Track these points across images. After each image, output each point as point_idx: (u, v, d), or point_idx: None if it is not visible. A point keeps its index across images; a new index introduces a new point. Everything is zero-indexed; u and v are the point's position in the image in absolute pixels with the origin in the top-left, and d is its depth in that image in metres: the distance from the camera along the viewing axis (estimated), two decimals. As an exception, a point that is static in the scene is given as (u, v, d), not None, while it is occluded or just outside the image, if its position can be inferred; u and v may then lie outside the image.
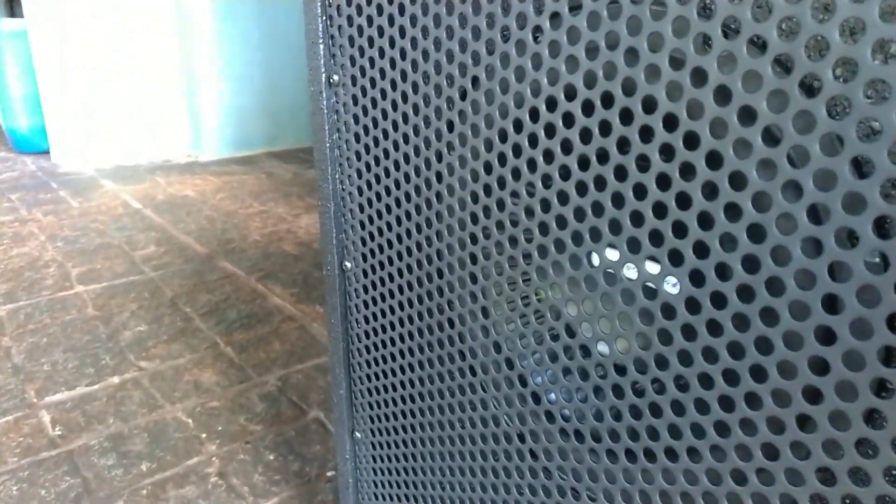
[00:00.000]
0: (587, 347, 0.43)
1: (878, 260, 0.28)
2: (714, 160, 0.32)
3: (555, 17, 0.38)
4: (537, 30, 0.40)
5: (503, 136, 0.44)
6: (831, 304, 0.30)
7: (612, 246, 0.39)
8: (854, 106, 0.27)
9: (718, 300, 0.34)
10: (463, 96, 0.46)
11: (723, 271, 0.34)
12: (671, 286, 0.37)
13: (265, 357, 1.36)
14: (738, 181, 0.32)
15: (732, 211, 0.32)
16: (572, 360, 0.44)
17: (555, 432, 0.47)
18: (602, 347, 0.43)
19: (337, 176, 0.61)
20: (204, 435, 1.11)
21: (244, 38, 3.15)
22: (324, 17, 0.56)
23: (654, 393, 0.40)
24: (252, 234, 2.13)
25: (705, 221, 0.34)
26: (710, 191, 0.33)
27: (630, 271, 0.39)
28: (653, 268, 0.38)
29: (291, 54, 3.32)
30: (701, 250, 0.34)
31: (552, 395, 0.47)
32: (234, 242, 2.04)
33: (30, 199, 2.47)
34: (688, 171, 0.34)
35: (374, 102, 0.54)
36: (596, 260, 0.41)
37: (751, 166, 0.31)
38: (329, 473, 1.03)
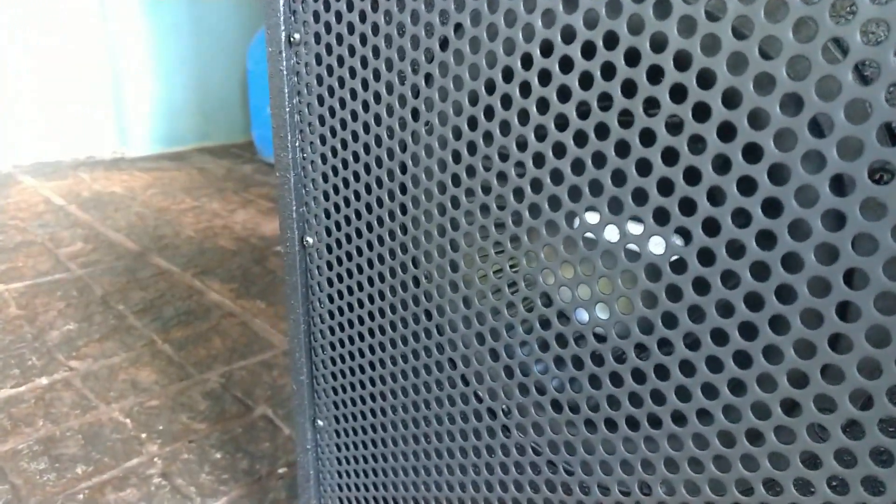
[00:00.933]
0: (566, 315, 0.41)
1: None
2: (702, 112, 0.30)
3: (551, -48, 0.36)
4: (530, -32, 0.37)
5: (473, 99, 0.41)
6: (829, 254, 0.28)
7: (592, 209, 0.37)
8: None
9: (706, 257, 0.32)
10: (444, 46, 0.43)
11: (712, 227, 0.32)
12: (656, 246, 0.35)
13: (206, 354, 1.30)
14: (728, 134, 0.30)
15: (723, 167, 0.30)
16: (550, 329, 0.42)
17: (530, 405, 0.44)
18: (581, 315, 0.40)
19: (297, 143, 0.57)
20: (144, 435, 1.05)
21: (173, 29, 3.04)
22: (283, -29, 0.52)
23: (637, 359, 0.37)
24: (186, 229, 2.04)
25: (692, 177, 0.32)
26: (698, 144, 0.31)
27: (612, 233, 0.37)
28: (636, 229, 0.35)
29: (223, 46, 3.21)
30: (688, 208, 0.32)
31: (532, 368, 0.45)
32: (167, 238, 1.95)
33: (-59, 197, 2.32)
34: (676, 126, 0.31)
35: (340, 60, 0.50)
36: (576, 223, 0.38)
37: (741, 117, 0.29)
38: (280, 470, 0.98)
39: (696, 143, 0.32)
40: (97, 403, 1.13)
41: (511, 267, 0.44)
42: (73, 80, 2.95)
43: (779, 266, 0.31)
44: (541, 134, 0.39)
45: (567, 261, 0.40)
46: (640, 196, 0.35)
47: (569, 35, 0.36)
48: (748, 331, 0.33)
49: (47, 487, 0.93)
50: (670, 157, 0.33)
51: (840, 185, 0.28)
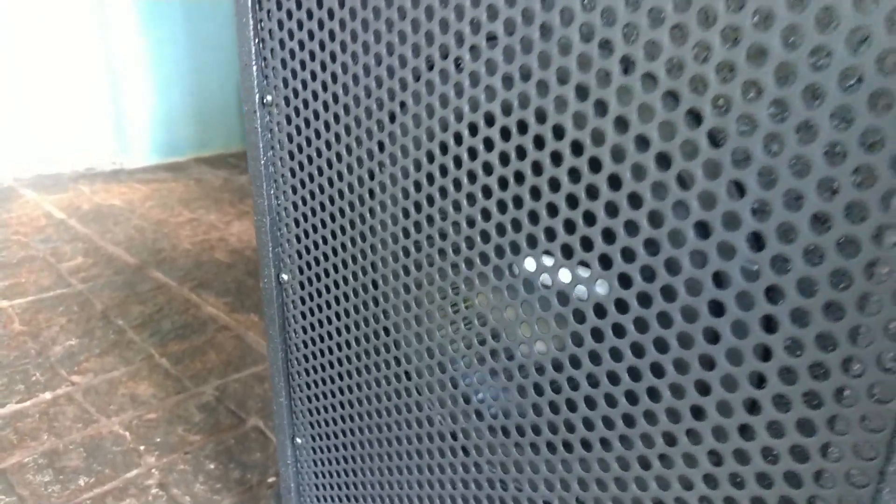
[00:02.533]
0: (510, 350, 0.47)
1: (755, 268, 0.33)
2: (614, 182, 0.36)
3: (473, 48, 0.42)
4: (458, 60, 0.43)
5: (430, 157, 0.47)
6: (717, 308, 0.34)
7: (530, 256, 0.43)
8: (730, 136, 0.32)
9: (622, 306, 0.38)
10: (392, 118, 0.49)
11: (626, 280, 0.38)
12: (584, 291, 0.41)
13: (201, 367, 1.36)
14: (635, 201, 0.36)
15: (631, 227, 0.36)
16: (497, 362, 0.48)
17: (484, 429, 0.51)
18: (522, 349, 0.47)
19: (272, 192, 0.63)
20: (142, 447, 1.11)
21: (171, 40, 3.10)
22: (256, 41, 0.58)
23: (570, 389, 0.44)
24: (183, 242, 2.10)
25: (608, 236, 0.38)
26: (611, 210, 0.37)
27: (544, 278, 0.43)
28: (566, 275, 0.41)
29: (220, 58, 3.27)
30: (607, 261, 0.38)
31: (481, 396, 0.51)
32: (164, 252, 2.02)
33: (-55, 212, 2.38)
34: (593, 192, 0.38)
35: (307, 122, 0.56)
36: (517, 270, 0.44)
37: (646, 188, 0.35)
38: (270, 479, 1.04)
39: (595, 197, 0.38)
40: (98, 417, 1.19)
41: (459, 305, 0.50)
42: (71, 93, 3.02)
43: (678, 315, 0.37)
44: (477, 194, 0.45)
45: (509, 303, 0.46)
46: (566, 249, 0.41)
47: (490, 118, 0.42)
48: (657, 370, 0.39)
49: (52, 499, 0.99)
50: (589, 217, 0.39)
51: (704, 230, 0.34)
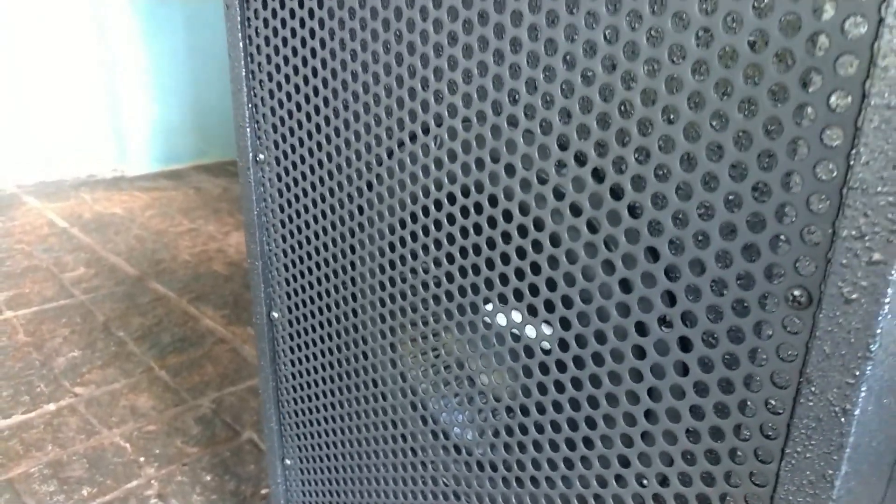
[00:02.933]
0: (472, 379, 0.54)
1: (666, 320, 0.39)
2: (555, 241, 0.43)
3: (437, 137, 0.48)
4: (426, 147, 0.50)
5: (402, 224, 0.54)
6: (640, 352, 0.41)
7: (489, 308, 0.50)
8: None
9: (565, 346, 0.45)
10: (370, 187, 0.56)
11: (566, 323, 0.44)
12: (534, 333, 0.47)
13: (199, 380, 1.43)
14: (571, 257, 0.42)
15: (568, 278, 0.43)
16: (461, 389, 0.54)
17: (453, 461, 0.57)
18: (482, 379, 0.53)
19: (264, 239, 0.69)
20: (142, 458, 1.17)
21: (171, 51, 3.16)
22: (250, 106, 0.65)
23: (534, 429, 0.50)
24: (182, 253, 2.17)
25: (552, 287, 0.44)
26: (552, 262, 0.43)
27: (502, 329, 0.49)
28: (517, 318, 0.48)
29: (218, 68, 3.34)
30: (550, 306, 0.45)
31: (454, 430, 0.57)
32: (164, 263, 2.08)
33: (-50, 219, 2.45)
34: (522, 253, 0.44)
35: (295, 181, 0.63)
36: (481, 324, 0.51)
37: (580, 247, 0.42)
38: (263, 491, 1.11)
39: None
40: (100, 428, 1.26)
41: (429, 346, 0.57)
42: (73, 101, 3.08)
43: (609, 357, 0.43)
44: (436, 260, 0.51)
45: (472, 349, 0.53)
46: (518, 296, 0.48)
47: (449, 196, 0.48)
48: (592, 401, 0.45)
49: (57, 508, 1.06)
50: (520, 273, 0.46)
51: (627, 286, 0.41)
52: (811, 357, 0.34)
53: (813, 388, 0.34)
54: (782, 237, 0.33)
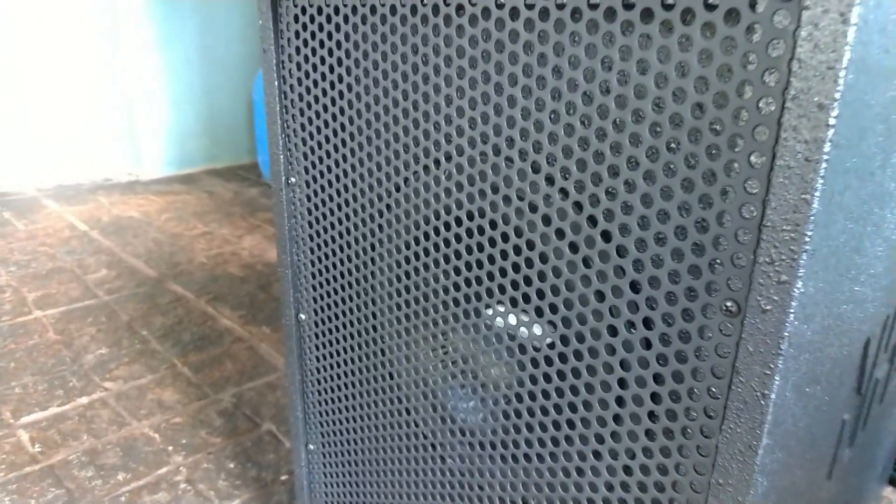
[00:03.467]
0: (475, 373, 0.63)
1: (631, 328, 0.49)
2: (543, 259, 0.53)
3: (447, 171, 0.58)
4: (437, 178, 0.59)
5: (416, 241, 0.64)
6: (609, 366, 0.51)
7: (490, 312, 0.59)
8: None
9: (552, 345, 0.55)
10: (389, 209, 0.65)
11: (553, 325, 0.54)
12: (527, 333, 0.57)
13: (219, 376, 1.53)
14: (557, 272, 0.52)
15: (555, 289, 0.53)
16: (473, 389, 0.64)
17: (459, 442, 0.67)
18: (485, 372, 0.63)
19: (293, 249, 0.79)
20: (170, 448, 1.27)
21: (184, 60, 3.27)
22: (283, 136, 0.75)
23: (527, 414, 0.60)
24: (198, 256, 2.27)
25: (541, 296, 0.54)
26: (541, 276, 0.53)
27: (501, 330, 0.59)
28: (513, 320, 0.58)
29: (229, 76, 3.44)
30: (540, 312, 0.55)
31: (460, 415, 0.67)
32: (181, 265, 2.18)
33: (-25, 222, 2.55)
34: (517, 267, 0.54)
35: (323, 202, 0.73)
36: (479, 319, 0.61)
37: (563, 265, 0.51)
38: (283, 478, 1.20)
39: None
40: (130, 420, 1.36)
41: (439, 343, 0.66)
42: (89, 107, 3.18)
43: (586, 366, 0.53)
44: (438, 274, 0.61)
45: (476, 347, 0.62)
46: (514, 303, 0.57)
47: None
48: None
49: (95, 491, 1.16)
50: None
51: (602, 296, 0.51)
52: (740, 354, 0.43)
53: (741, 378, 0.44)
54: (718, 261, 0.43)
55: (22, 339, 1.66)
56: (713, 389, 0.46)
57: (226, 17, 3.39)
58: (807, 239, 0.39)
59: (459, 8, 0.53)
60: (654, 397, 0.49)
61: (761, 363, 0.42)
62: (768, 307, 0.41)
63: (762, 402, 0.43)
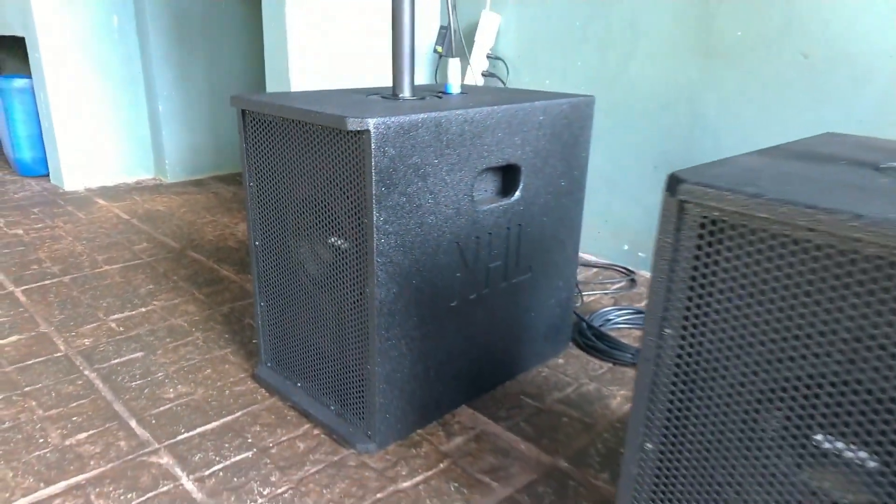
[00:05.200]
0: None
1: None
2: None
3: None
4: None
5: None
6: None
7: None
8: (340, 209, 1.55)
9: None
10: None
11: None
12: None
13: (220, 299, 2.59)
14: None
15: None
16: (313, 265, 1.70)
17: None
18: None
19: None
20: (194, 330, 2.33)
21: (196, 91, 4.35)
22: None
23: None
24: (207, 235, 3.34)
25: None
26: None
27: None
28: None
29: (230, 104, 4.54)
30: (328, 235, 1.61)
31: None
32: (196, 240, 3.25)
33: (49, 212, 3.63)
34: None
35: (262, 193, 1.78)
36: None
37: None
38: (247, 321, 2.26)
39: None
40: (170, 318, 2.42)
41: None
42: (126, 129, 4.27)
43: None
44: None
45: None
46: (317, 235, 1.65)
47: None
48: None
49: (160, 350, 2.22)
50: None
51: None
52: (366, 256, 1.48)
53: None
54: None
55: (100, 281, 2.73)
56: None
57: (229, 59, 4.47)
58: (375, 205, 1.44)
59: None
60: (357, 253, 1.55)
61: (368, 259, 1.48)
62: (366, 235, 1.46)
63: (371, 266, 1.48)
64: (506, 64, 3.15)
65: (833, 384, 0.80)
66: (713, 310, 0.91)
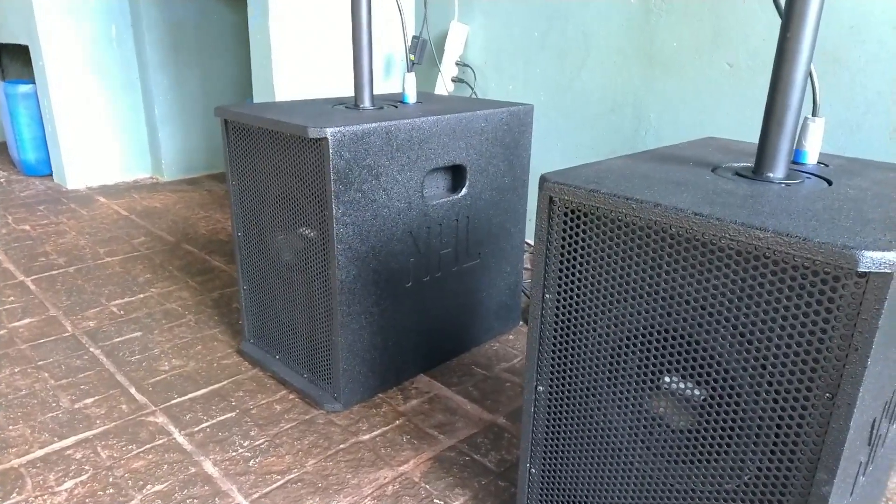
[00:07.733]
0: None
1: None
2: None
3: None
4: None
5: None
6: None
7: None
8: (307, 203, 1.83)
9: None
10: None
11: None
12: None
13: (212, 286, 2.87)
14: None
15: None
16: (287, 252, 1.98)
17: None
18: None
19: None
20: (187, 313, 2.61)
21: (191, 98, 4.63)
22: (230, 167, 2.08)
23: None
24: (200, 230, 3.62)
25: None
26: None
27: None
28: None
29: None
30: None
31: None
32: (190, 234, 3.53)
33: (53, 209, 3.90)
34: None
35: (244, 190, 2.06)
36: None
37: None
38: (234, 305, 2.54)
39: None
40: (167, 304, 2.70)
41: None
42: (125, 132, 4.55)
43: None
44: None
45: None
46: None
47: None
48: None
49: (156, 327, 2.50)
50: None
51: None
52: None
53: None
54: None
55: (102, 271, 3.01)
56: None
57: (221, 65, 4.75)
58: (335, 200, 1.72)
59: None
60: (322, 241, 1.82)
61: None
62: (328, 225, 1.74)
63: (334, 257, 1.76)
64: (473, 71, 3.42)
65: (662, 332, 1.08)
66: (579, 277, 1.19)
